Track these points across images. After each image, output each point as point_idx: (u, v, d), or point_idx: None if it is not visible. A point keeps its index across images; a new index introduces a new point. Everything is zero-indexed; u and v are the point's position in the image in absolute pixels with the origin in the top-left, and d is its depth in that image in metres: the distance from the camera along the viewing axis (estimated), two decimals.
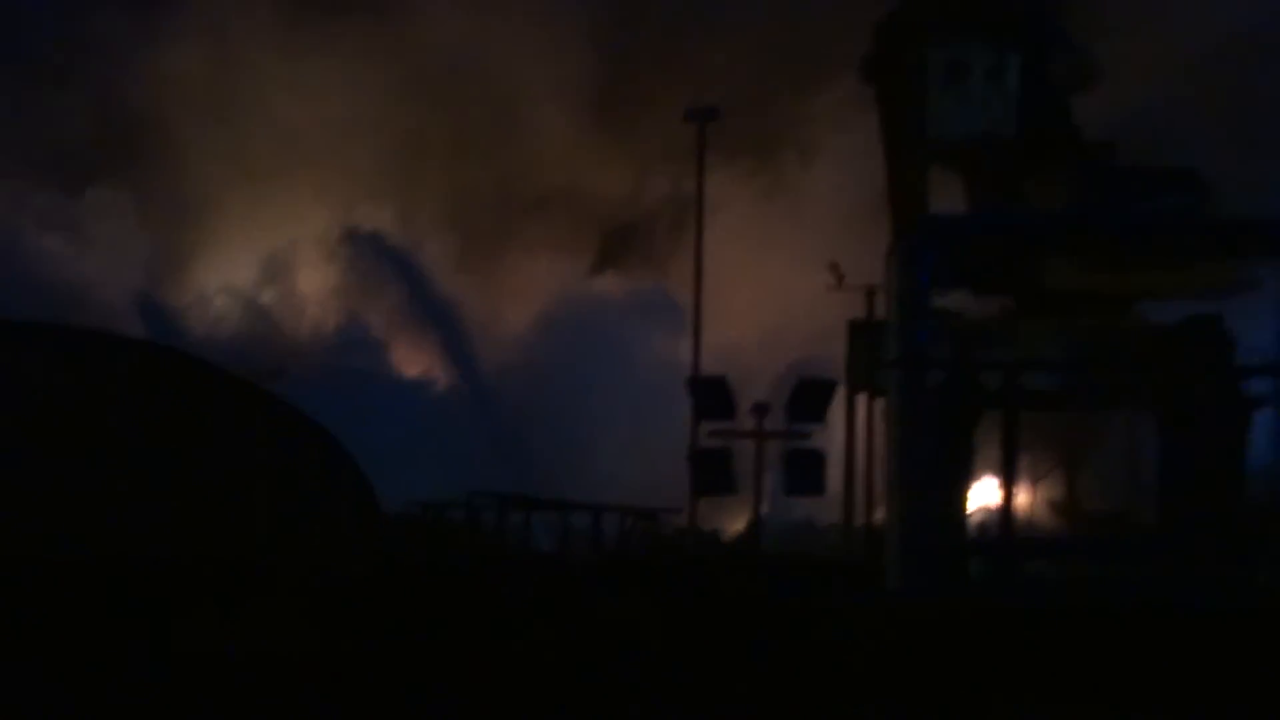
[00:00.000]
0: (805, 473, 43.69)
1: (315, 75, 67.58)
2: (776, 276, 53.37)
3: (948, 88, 43.26)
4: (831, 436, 43.88)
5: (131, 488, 37.94)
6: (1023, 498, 44.66)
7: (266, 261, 62.57)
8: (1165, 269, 37.11)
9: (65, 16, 74.24)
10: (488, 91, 66.80)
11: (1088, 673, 26.12)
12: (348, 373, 55.82)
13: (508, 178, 67.19)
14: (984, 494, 41.01)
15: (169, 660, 20.85)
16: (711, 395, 43.08)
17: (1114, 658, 24.97)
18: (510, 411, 59.07)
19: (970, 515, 44.06)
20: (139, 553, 31.75)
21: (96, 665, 19.07)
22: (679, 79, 60.07)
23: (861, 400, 40.27)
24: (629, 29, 68.21)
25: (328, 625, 28.51)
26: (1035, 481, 45.64)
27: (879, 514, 40.01)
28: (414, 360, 59.76)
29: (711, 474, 43.49)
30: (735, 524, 48.30)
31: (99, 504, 36.47)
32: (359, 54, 68.91)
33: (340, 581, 33.42)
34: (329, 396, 51.32)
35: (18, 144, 68.60)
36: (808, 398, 43.51)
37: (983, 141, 42.09)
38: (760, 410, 46.22)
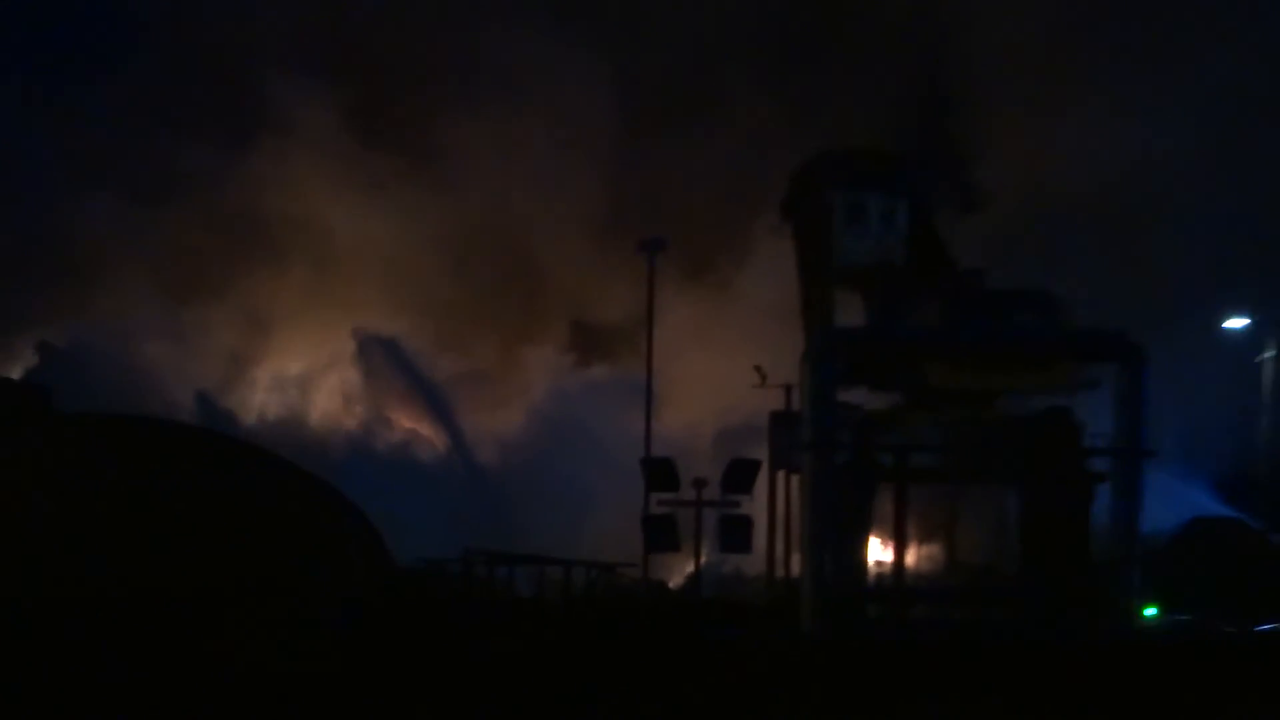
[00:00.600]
0: (736, 534, 43.49)
1: (361, 209, 67.35)
2: (718, 374, 54.30)
3: (849, 226, 43.91)
4: (757, 505, 43.57)
5: (187, 539, 40.22)
6: (911, 554, 44.90)
7: (308, 363, 64.91)
8: (1023, 370, 39.55)
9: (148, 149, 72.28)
10: (495, 220, 67.71)
11: (960, 695, 26.41)
12: (369, 451, 59.51)
13: (511, 290, 68.81)
14: (879, 551, 42.31)
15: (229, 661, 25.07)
16: (660, 471, 43.42)
17: (979, 683, 27.94)
18: (502, 486, 60.50)
19: (869, 568, 49.08)
20: (198, 584, 34.98)
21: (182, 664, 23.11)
22: (644, 210, 63.10)
23: (781, 476, 42.83)
24: (614, 171, 68.49)
25: (339, 640, 31.13)
26: (920, 541, 44.65)
27: (795, 567, 43.72)
28: (423, 444, 61.64)
29: (659, 535, 43.98)
30: (679, 575, 51.56)
31: (166, 546, 39.27)
32: (402, 189, 69.93)
33: (352, 607, 37.99)
34: (355, 470, 52.91)
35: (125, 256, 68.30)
36: (738, 473, 42.97)
37: (877, 269, 43.27)
38: (699, 484, 44.39)
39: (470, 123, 72.51)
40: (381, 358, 63.11)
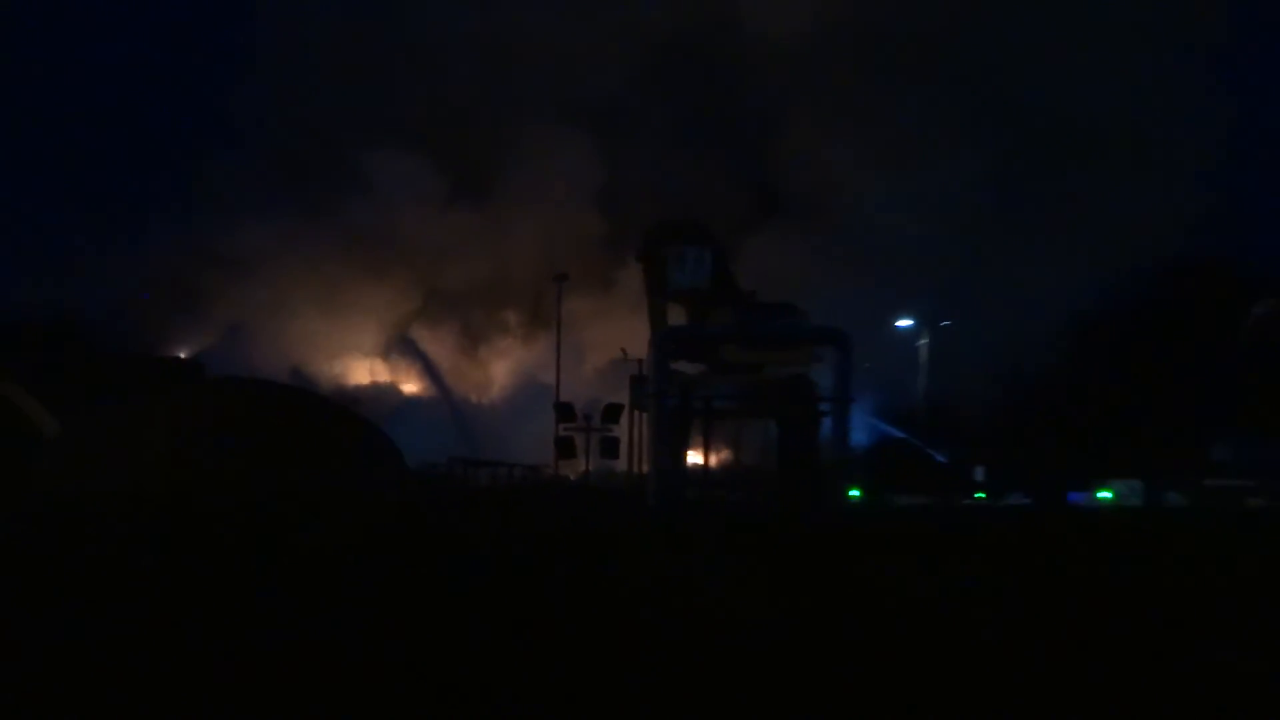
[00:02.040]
0: (610, 448, 53.34)
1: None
2: (605, 350, 60.55)
3: (675, 267, 48.83)
4: (622, 430, 52.77)
5: (295, 458, 45.32)
6: (712, 460, 52.74)
7: (357, 352, 70.86)
8: (779, 351, 48.87)
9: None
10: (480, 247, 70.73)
11: (746, 545, 27.53)
12: (395, 402, 66.54)
13: (492, 300, 72.32)
14: (694, 458, 51.98)
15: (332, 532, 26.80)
16: (564, 410, 53.86)
17: (747, 539, 30.34)
18: (476, 419, 68.36)
19: (687, 468, 50.15)
20: (307, 487, 38.87)
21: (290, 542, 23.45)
22: (572, 250, 65.65)
23: (636, 414, 50.24)
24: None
25: (385, 513, 34.89)
26: (718, 453, 54.99)
27: (644, 468, 51.11)
28: (427, 397, 68.83)
29: (565, 449, 53.83)
30: (576, 473, 55.96)
31: (282, 463, 44.07)
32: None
33: (386, 499, 42.70)
34: (386, 415, 60.17)
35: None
36: (611, 412, 53.68)
37: (692, 292, 48.89)
38: (588, 418, 54.55)
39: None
40: (407, 351, 70.15)
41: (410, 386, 70.81)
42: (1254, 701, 11.47)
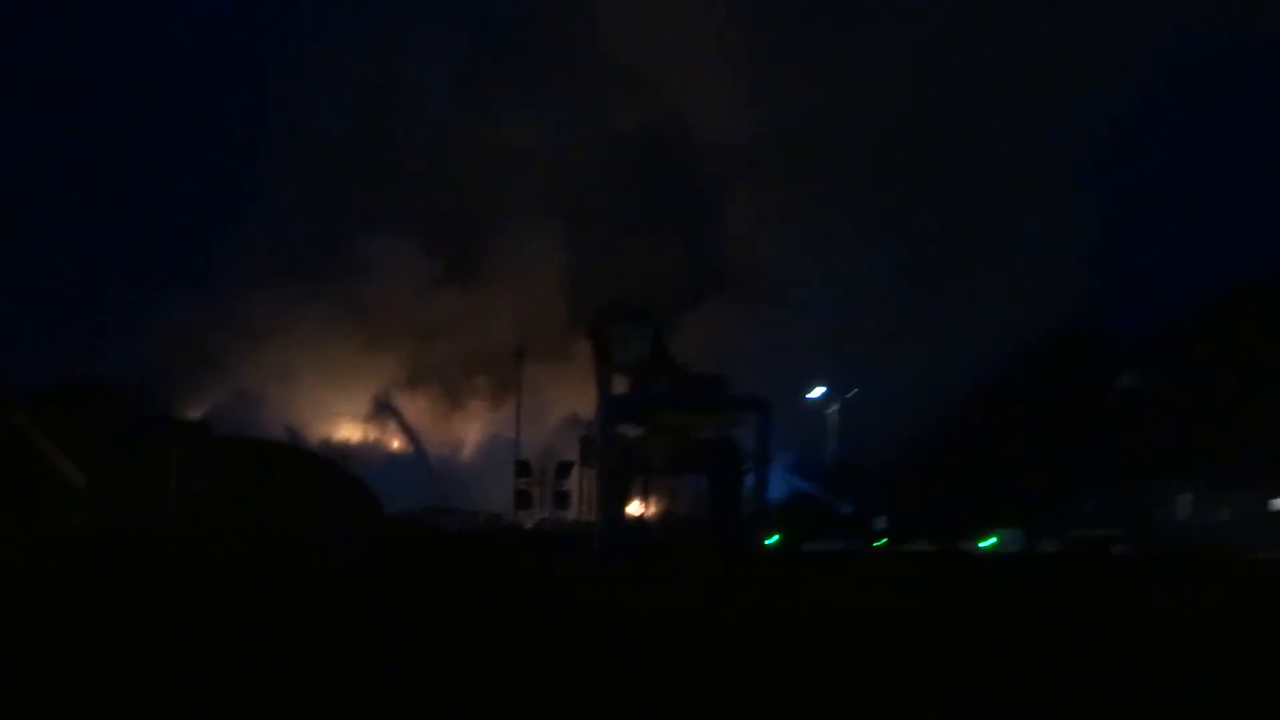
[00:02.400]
0: (561, 500, 55.63)
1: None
2: (560, 415, 64.08)
3: (620, 341, 51.17)
4: (573, 484, 54.98)
5: (283, 499, 49.89)
6: (651, 510, 54.51)
7: (357, 409, 71.96)
8: (707, 416, 51.25)
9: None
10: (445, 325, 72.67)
11: (666, 577, 30.18)
12: (379, 458, 68.27)
13: (467, 369, 73.07)
14: (636, 508, 53.86)
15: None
16: (523, 468, 55.71)
17: (679, 571, 33.06)
18: (448, 473, 69.27)
19: (629, 517, 52.01)
20: (292, 523, 42.49)
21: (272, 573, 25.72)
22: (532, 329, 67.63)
23: (585, 471, 52.58)
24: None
25: (366, 549, 35.65)
26: (656, 503, 55.04)
27: (592, 516, 52.25)
28: (406, 453, 70.40)
29: (522, 500, 55.66)
30: (533, 521, 57.44)
31: (270, 504, 48.95)
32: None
33: (365, 538, 42.94)
34: (370, 469, 62.10)
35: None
36: (563, 469, 55.69)
37: (633, 365, 51.12)
38: (543, 473, 56.40)
39: None
40: (386, 413, 71.46)
41: (392, 444, 72.33)
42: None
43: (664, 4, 68.04)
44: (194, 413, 67.39)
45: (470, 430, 72.75)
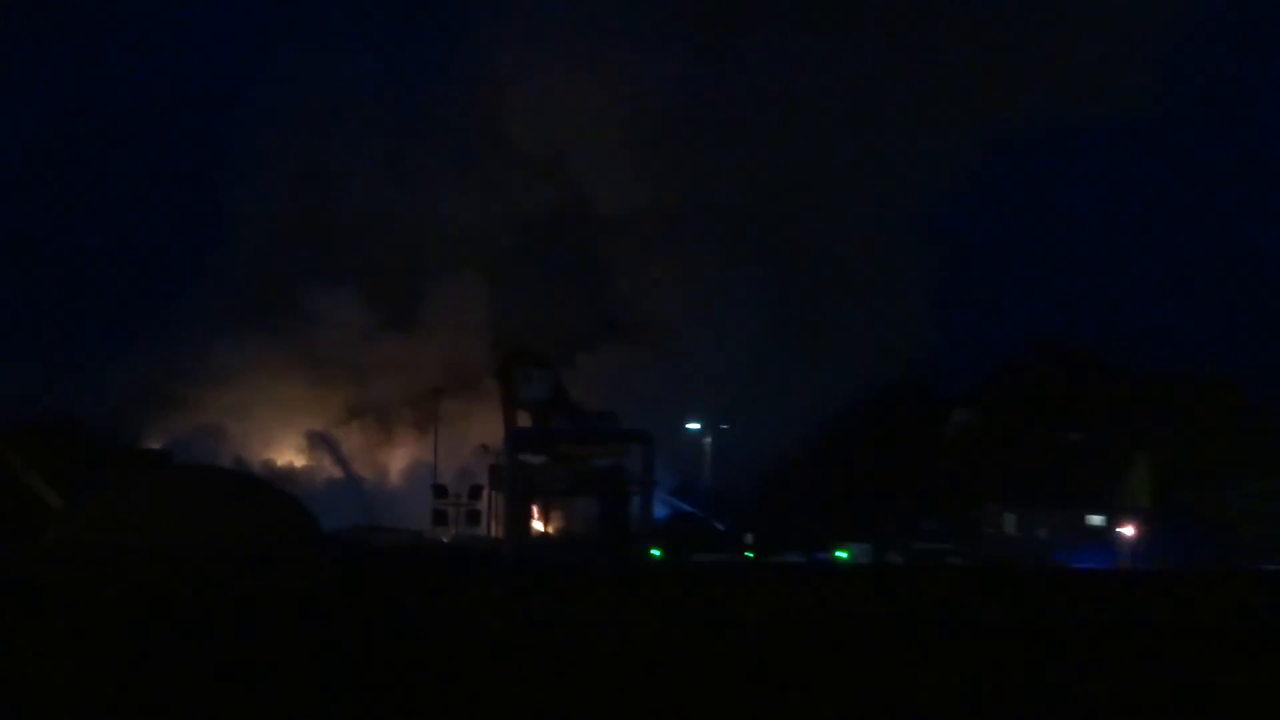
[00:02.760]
0: (473, 519, 57.65)
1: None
2: (471, 445, 63.54)
3: (524, 383, 57.65)
4: (484, 505, 56.42)
5: (231, 519, 48.12)
6: (551, 526, 57.71)
7: (299, 440, 70.74)
8: (598, 447, 56.57)
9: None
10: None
11: (571, 587, 33.36)
12: (317, 482, 67.27)
13: (396, 404, 73.32)
14: (536, 525, 57.55)
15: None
16: (440, 490, 57.48)
17: (572, 581, 36.39)
18: (376, 495, 69.26)
19: (531, 534, 58.79)
20: (234, 544, 40.13)
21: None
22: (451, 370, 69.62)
23: (494, 494, 55.84)
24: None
25: (318, 562, 37.97)
26: (555, 521, 58.69)
27: (498, 533, 57.16)
28: (340, 478, 69.53)
29: (439, 518, 56.57)
30: (448, 536, 57.74)
31: (223, 524, 46.38)
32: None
33: (311, 553, 44.34)
34: (309, 492, 61.04)
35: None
36: (475, 492, 57.83)
37: (535, 403, 57.20)
38: (458, 496, 58.37)
39: None
40: (321, 444, 70.97)
41: (327, 471, 71.96)
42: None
43: (564, 102, 70.51)
44: (156, 444, 68.29)
45: (397, 458, 73.29)
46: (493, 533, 59.32)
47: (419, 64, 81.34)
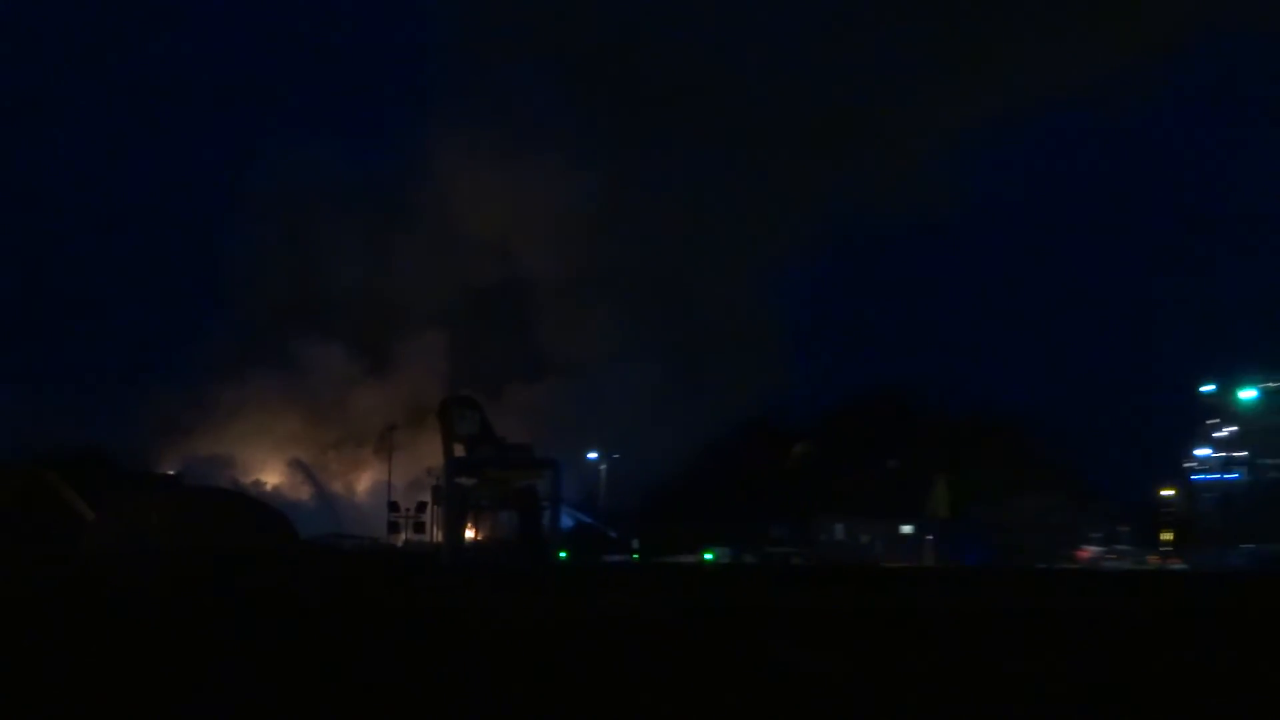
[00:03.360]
0: (420, 528, 59.69)
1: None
2: (420, 469, 64.92)
3: (458, 421, 60.37)
4: (428, 518, 59.42)
5: (226, 530, 50.62)
6: (480, 534, 60.69)
7: (282, 464, 73.25)
8: (519, 471, 59.93)
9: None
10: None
11: (497, 581, 35.38)
12: (296, 498, 68.25)
13: (363, 435, 74.27)
14: (469, 534, 59.76)
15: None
16: (393, 506, 61.04)
17: (497, 579, 39.11)
18: (345, 509, 70.50)
19: (465, 540, 59.24)
20: (227, 549, 42.54)
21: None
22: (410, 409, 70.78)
23: (436, 508, 57.82)
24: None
25: (297, 563, 40.32)
26: (483, 530, 61.52)
27: (439, 539, 58.53)
28: (315, 495, 70.74)
29: (392, 528, 60.47)
30: (399, 541, 60.06)
31: (218, 533, 48.91)
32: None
33: (291, 555, 46.84)
34: (289, 505, 62.67)
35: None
36: (421, 507, 59.83)
37: (468, 437, 60.03)
38: (408, 510, 60.85)
39: None
40: (300, 469, 72.51)
41: (305, 490, 73.20)
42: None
43: (502, 198, 73.71)
44: (169, 469, 70.35)
45: (361, 480, 75.20)
46: (434, 539, 61.39)
47: (389, 164, 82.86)
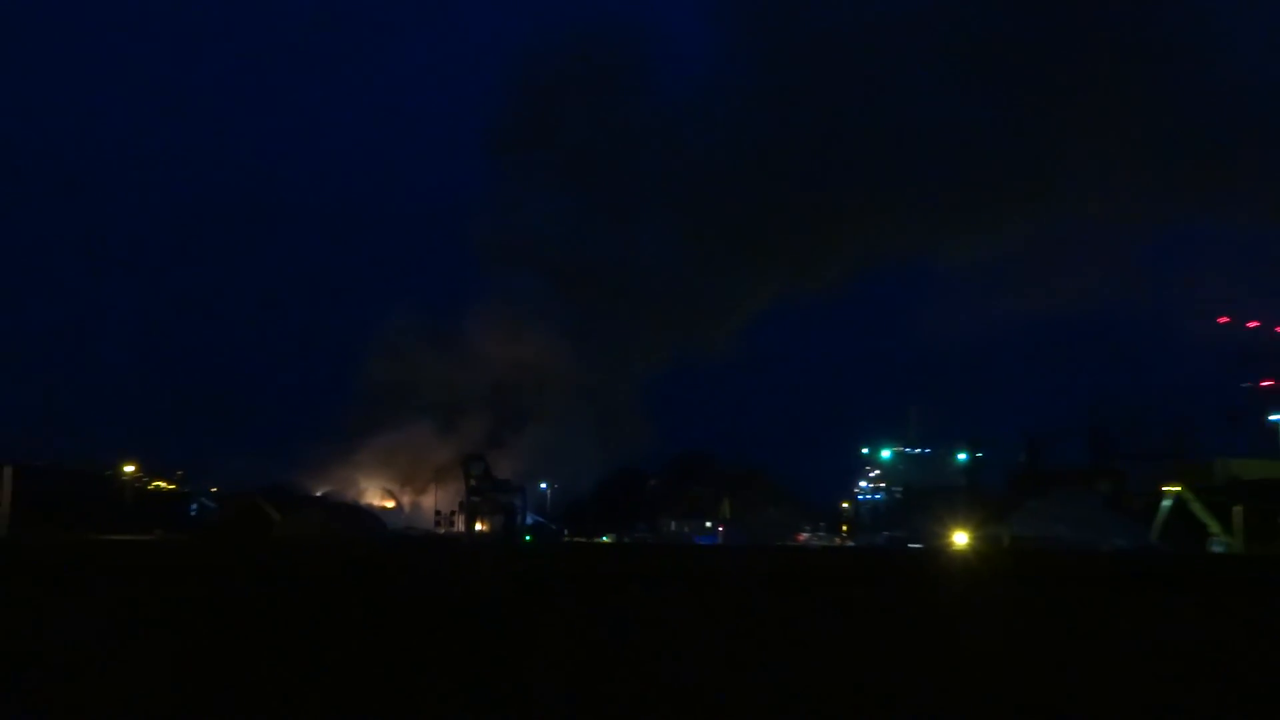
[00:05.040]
0: (452, 524, 66.79)
1: None
2: (454, 491, 69.42)
3: (472, 467, 71.78)
4: (458, 519, 65.82)
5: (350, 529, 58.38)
6: (484, 529, 66.85)
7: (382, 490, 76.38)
8: (504, 492, 68.44)
9: None
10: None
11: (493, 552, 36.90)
12: (388, 512, 71.52)
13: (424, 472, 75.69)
14: (478, 527, 65.48)
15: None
16: (439, 515, 67.66)
17: (492, 550, 42.89)
18: (416, 515, 73.01)
19: (476, 531, 66.68)
20: (351, 540, 47.67)
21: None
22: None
23: (461, 513, 64.30)
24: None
25: (385, 543, 46.09)
26: (487, 525, 67.54)
27: (463, 530, 65.38)
28: (394, 510, 73.38)
29: (437, 524, 67.07)
30: (442, 531, 64.93)
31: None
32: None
33: (382, 538, 55.76)
34: (383, 514, 70.97)
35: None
36: (453, 513, 67.62)
37: (477, 474, 69.40)
38: (446, 514, 68.30)
39: None
40: (388, 492, 76.02)
41: (390, 502, 78.95)
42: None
43: (504, 326, 74.79)
44: (320, 491, 76.43)
45: (422, 499, 79.57)
46: (459, 529, 68.44)
47: (451, 316, 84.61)
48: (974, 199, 69.66)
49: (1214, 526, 52.29)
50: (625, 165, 78.05)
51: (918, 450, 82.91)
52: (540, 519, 75.19)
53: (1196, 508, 53.99)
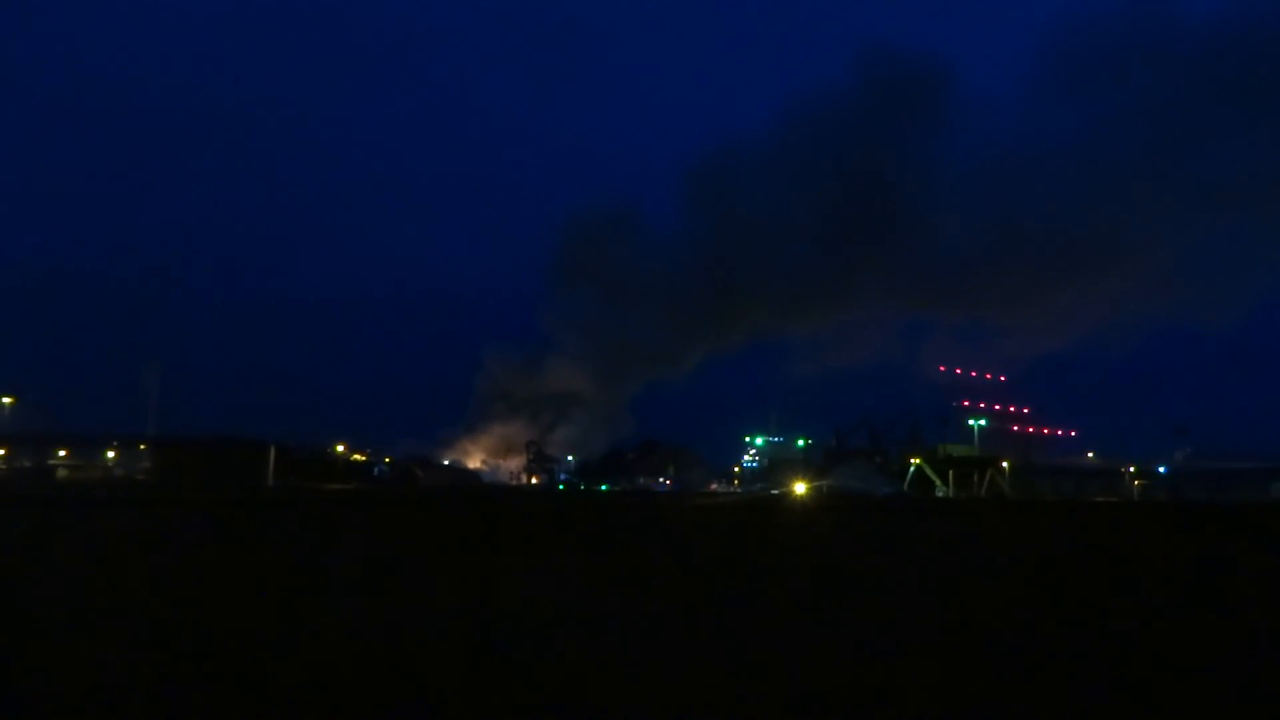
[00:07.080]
0: (524, 480, 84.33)
1: None
2: (520, 459, 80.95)
3: (531, 448, 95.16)
4: (525, 476, 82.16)
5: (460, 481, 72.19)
6: (537, 481, 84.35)
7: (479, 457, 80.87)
8: (548, 461, 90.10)
9: None
10: None
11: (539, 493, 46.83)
12: (481, 471, 76.25)
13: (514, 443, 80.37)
14: (534, 480, 79.50)
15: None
16: (510, 474, 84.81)
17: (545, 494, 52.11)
18: (499, 475, 75.86)
19: (535, 482, 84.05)
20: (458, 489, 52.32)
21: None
22: None
23: (527, 474, 78.25)
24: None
25: (479, 490, 56.71)
26: (539, 480, 79.23)
27: (530, 482, 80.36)
28: (486, 471, 76.62)
29: (517, 479, 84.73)
30: (514, 482, 71.24)
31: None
32: None
33: (476, 488, 63.83)
34: (479, 472, 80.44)
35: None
36: (523, 473, 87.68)
37: (535, 453, 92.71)
38: (520, 472, 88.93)
39: None
40: (485, 461, 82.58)
41: (485, 467, 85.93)
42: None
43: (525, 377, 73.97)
44: (444, 461, 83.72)
45: (507, 463, 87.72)
46: (524, 482, 78.29)
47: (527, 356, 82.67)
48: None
49: (938, 483, 65.77)
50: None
51: (777, 438, 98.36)
52: (568, 476, 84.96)
53: (928, 471, 68.33)
